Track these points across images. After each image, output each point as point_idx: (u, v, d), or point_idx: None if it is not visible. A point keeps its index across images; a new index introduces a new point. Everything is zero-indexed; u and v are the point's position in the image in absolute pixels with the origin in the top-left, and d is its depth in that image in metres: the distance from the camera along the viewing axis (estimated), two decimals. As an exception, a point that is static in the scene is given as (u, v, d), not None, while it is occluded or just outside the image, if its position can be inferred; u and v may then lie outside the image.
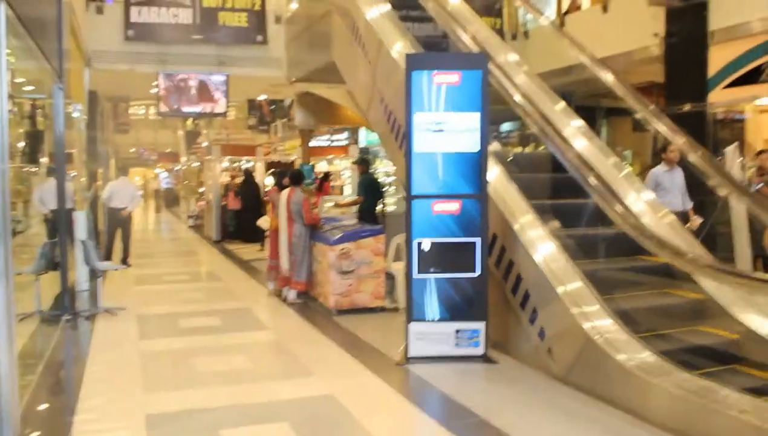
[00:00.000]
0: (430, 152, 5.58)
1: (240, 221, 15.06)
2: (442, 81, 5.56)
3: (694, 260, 4.52)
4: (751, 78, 8.78)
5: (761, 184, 7.66)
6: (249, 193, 14.94)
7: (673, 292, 5.70)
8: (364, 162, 10.08)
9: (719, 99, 9.25)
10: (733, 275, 4.34)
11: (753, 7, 8.63)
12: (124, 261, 11.09)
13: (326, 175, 15.34)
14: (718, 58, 9.18)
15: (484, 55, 5.88)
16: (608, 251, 6.02)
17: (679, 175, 7.37)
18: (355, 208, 9.59)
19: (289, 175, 8.55)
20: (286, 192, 8.17)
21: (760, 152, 8.83)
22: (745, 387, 4.05)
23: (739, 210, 6.41)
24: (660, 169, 7.51)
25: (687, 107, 9.16)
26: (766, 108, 9.46)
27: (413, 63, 5.66)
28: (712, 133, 9.24)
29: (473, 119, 5.55)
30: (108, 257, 10.91)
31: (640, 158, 12.33)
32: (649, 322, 5.13)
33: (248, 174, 16.03)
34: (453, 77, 5.56)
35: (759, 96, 8.88)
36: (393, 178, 21.50)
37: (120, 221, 11.08)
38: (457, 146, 5.55)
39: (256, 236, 13.51)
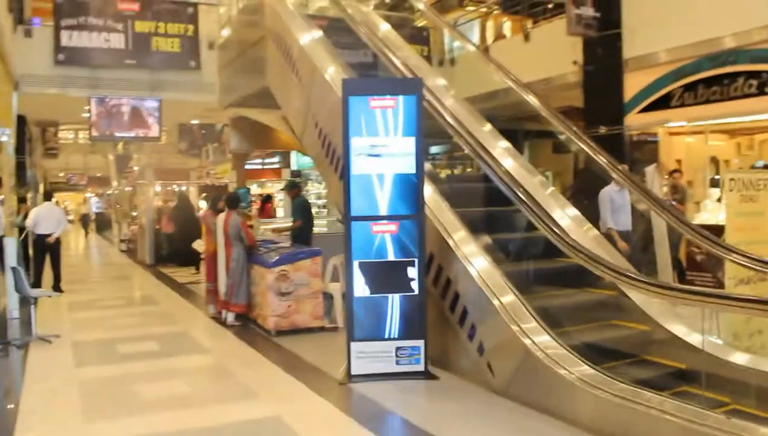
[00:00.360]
0: (367, 175, 5.77)
1: (174, 244, 14.87)
2: (378, 105, 5.77)
3: (621, 274, 4.81)
4: (662, 103, 9.43)
5: (674, 202, 8.19)
6: (183, 216, 14.78)
7: (590, 290, 6.01)
8: (294, 186, 10.16)
9: (634, 122, 9.87)
10: (659, 288, 4.65)
11: (659, 39, 9.33)
12: (56, 287, 10.77)
13: (268, 197, 15.33)
14: (632, 84, 9.82)
15: (419, 80, 6.11)
16: (531, 254, 6.32)
17: (627, 195, 7.59)
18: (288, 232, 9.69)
19: (225, 199, 8.58)
20: (222, 216, 8.20)
21: (673, 172, 9.47)
22: (656, 375, 4.35)
23: (660, 225, 6.80)
24: (611, 188, 7.68)
25: (603, 130, 9.73)
26: (676, 131, 10.14)
27: (350, 88, 5.85)
28: (629, 154, 9.83)
29: (409, 142, 5.77)
30: (38, 283, 10.60)
31: (560, 178, 12.92)
32: (568, 317, 5.46)
33: (183, 197, 15.86)
34: (389, 102, 5.78)
35: (670, 120, 9.52)
36: (324, 200, 21.71)
37: (48, 247, 10.77)
38: (394, 169, 5.76)
39: (191, 259, 13.40)
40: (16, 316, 8.48)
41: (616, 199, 7.64)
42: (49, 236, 10.61)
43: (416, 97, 5.82)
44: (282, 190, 14.02)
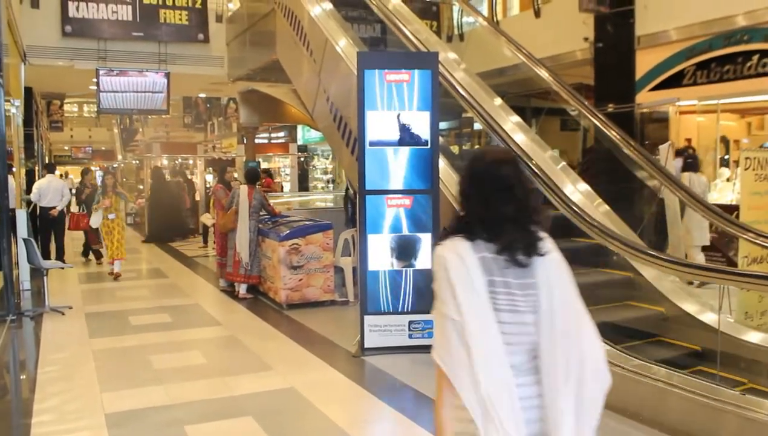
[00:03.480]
0: (382, 149, 5.76)
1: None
2: (393, 79, 5.75)
3: (639, 251, 4.81)
4: (674, 81, 9.37)
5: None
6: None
7: (603, 270, 6.00)
8: None
9: (645, 100, 9.81)
10: (675, 264, 4.68)
11: (672, 16, 9.24)
12: (60, 260, 10.81)
13: (268, 172, 15.39)
14: (644, 62, 9.74)
15: (435, 54, 6.07)
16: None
17: None
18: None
19: (245, 175, 8.71)
20: (245, 189, 8.21)
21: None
22: (671, 356, 4.38)
23: (673, 203, 6.78)
24: None
25: (611, 108, 9.68)
26: (686, 109, 10.08)
27: (365, 62, 5.82)
28: (640, 132, 9.79)
29: (424, 117, 5.76)
30: (45, 256, 10.63)
31: (567, 157, 12.87)
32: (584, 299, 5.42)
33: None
34: (404, 76, 5.76)
35: (681, 98, 9.47)
36: (330, 175, 21.72)
37: (52, 221, 10.78)
38: (409, 143, 5.75)
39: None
40: (27, 287, 8.55)
41: None
42: (52, 208, 10.63)
43: (432, 72, 5.80)
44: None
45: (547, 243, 2.04)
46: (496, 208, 1.99)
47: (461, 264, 1.97)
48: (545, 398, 1.94)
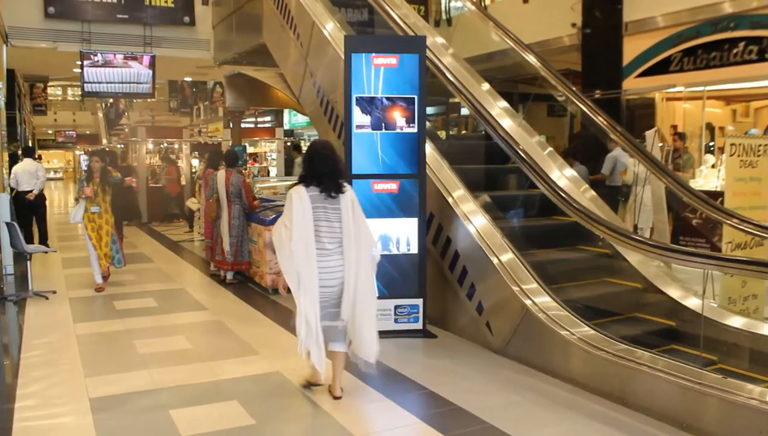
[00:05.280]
0: (368, 133, 5.74)
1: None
2: (380, 63, 5.72)
3: (624, 236, 4.84)
4: (661, 67, 9.39)
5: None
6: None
7: (584, 248, 6.11)
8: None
9: (632, 86, 9.84)
10: (660, 249, 4.72)
11: (660, 3, 9.26)
12: (43, 245, 10.68)
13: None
14: (631, 48, 9.76)
15: (423, 38, 6.03)
16: (526, 211, 6.49)
17: None
18: None
19: (224, 157, 8.53)
20: (223, 174, 8.12)
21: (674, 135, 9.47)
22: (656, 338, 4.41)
23: (658, 189, 6.80)
24: None
25: (598, 93, 9.70)
26: (672, 96, 10.12)
27: (352, 45, 5.78)
28: (626, 118, 9.82)
29: (411, 101, 5.74)
30: (27, 241, 10.50)
31: (553, 142, 12.90)
32: (565, 275, 5.57)
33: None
34: (391, 60, 5.73)
35: (668, 84, 9.49)
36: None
37: (32, 204, 10.60)
38: (396, 127, 5.73)
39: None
40: (11, 272, 8.45)
41: None
42: (29, 193, 10.47)
43: (419, 56, 5.76)
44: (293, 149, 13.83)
45: (347, 187, 4.26)
46: (320, 168, 4.17)
47: (299, 198, 4.11)
48: (345, 264, 4.17)
